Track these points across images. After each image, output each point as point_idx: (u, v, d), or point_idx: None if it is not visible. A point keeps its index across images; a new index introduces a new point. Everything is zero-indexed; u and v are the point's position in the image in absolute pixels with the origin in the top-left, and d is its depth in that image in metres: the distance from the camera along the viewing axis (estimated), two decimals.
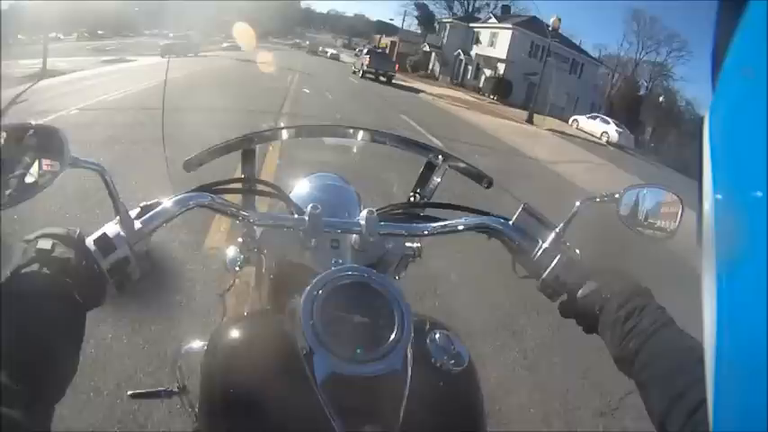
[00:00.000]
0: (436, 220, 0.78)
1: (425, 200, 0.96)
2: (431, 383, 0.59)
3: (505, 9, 37.67)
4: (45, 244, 0.52)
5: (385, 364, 0.53)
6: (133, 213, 0.62)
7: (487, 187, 0.95)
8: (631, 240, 0.81)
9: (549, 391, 2.34)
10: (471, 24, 36.30)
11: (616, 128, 23.44)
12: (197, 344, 0.87)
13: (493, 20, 34.69)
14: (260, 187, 0.77)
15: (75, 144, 0.54)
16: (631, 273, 0.65)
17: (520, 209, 0.75)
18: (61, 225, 0.56)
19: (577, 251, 0.71)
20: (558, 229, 0.72)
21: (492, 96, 30.40)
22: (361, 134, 0.95)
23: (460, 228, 0.76)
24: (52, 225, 0.56)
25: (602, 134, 23.19)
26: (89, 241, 0.57)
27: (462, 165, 0.94)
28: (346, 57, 37.44)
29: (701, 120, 0.29)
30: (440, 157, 0.94)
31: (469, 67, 35.41)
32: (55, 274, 0.50)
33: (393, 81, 25.61)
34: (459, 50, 35.66)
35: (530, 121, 21.12)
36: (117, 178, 0.59)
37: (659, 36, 33.06)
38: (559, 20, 24.23)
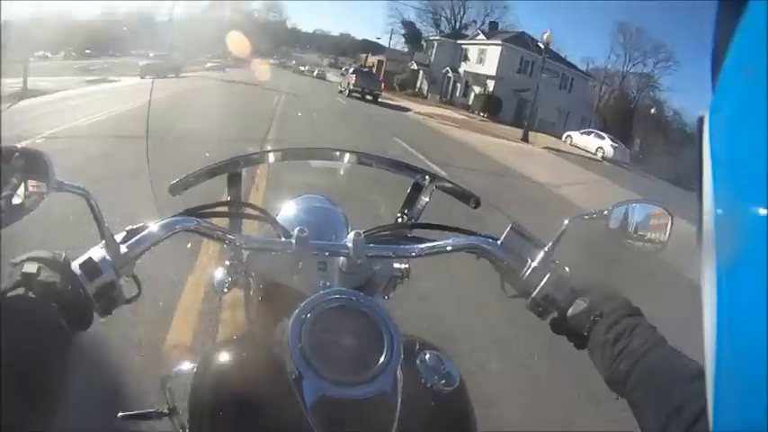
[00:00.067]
0: (424, 240, 0.78)
1: (413, 220, 0.96)
2: (422, 404, 0.60)
3: (493, 25, 37.46)
4: (31, 268, 0.52)
5: (375, 386, 0.53)
6: (119, 237, 0.62)
7: (475, 207, 0.96)
8: (621, 256, 0.76)
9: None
10: (459, 41, 36.11)
11: (611, 143, 23.11)
12: (186, 366, 0.82)
13: (481, 36, 34.54)
14: (246, 210, 0.79)
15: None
16: (620, 291, 0.65)
17: (508, 228, 0.75)
18: (47, 249, 0.56)
19: (567, 269, 0.70)
20: (546, 248, 0.71)
21: (482, 114, 29.99)
22: (347, 156, 0.98)
23: (449, 249, 0.76)
24: (38, 248, 0.55)
25: (597, 149, 22.80)
26: (75, 265, 0.57)
27: (449, 185, 0.96)
28: (333, 76, 37.13)
29: (700, 120, 0.29)
30: (426, 177, 0.96)
31: (458, 85, 35.13)
32: (40, 298, 0.50)
33: (379, 100, 25.39)
34: (448, 68, 35.41)
35: (525, 139, 20.57)
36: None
37: (645, 47, 33.27)
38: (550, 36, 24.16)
